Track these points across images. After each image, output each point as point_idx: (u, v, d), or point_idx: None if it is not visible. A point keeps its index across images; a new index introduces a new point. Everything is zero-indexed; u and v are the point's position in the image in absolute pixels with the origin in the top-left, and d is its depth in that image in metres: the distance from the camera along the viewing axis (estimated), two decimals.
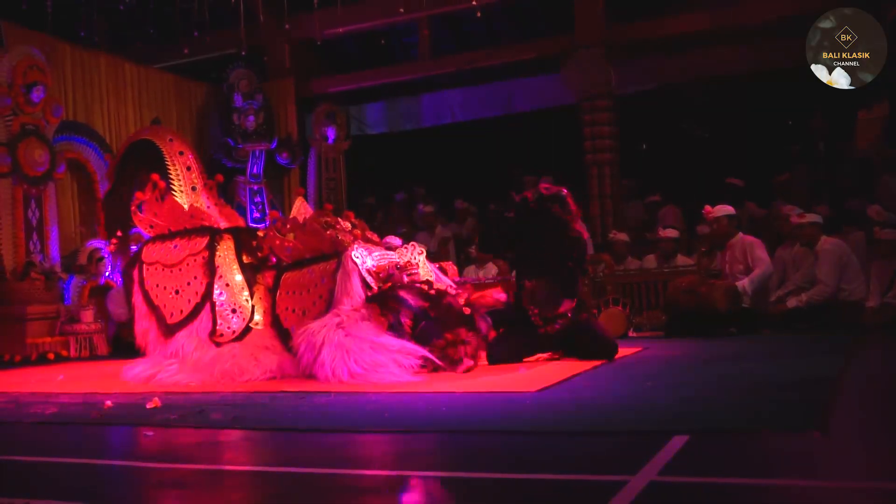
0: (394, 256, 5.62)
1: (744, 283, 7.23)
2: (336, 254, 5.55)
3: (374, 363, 4.92)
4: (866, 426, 3.16)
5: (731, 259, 7.56)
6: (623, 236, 9.25)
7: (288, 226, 5.95)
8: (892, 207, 7.94)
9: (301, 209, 6.37)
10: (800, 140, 10.42)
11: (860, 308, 7.18)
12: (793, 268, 7.65)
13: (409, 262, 5.58)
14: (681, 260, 8.62)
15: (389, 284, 5.33)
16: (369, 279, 5.36)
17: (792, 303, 7.31)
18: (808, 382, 4.10)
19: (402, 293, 5.32)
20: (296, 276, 5.69)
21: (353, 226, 5.99)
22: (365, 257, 5.49)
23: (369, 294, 5.30)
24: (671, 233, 8.83)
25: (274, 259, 5.91)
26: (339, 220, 6.00)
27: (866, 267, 7.42)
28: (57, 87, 9.76)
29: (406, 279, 5.40)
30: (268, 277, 5.84)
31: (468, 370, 5.12)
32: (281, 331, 5.58)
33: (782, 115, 10.77)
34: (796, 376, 4.38)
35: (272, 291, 5.74)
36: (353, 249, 5.50)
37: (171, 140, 6.78)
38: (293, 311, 5.57)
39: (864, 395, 3.86)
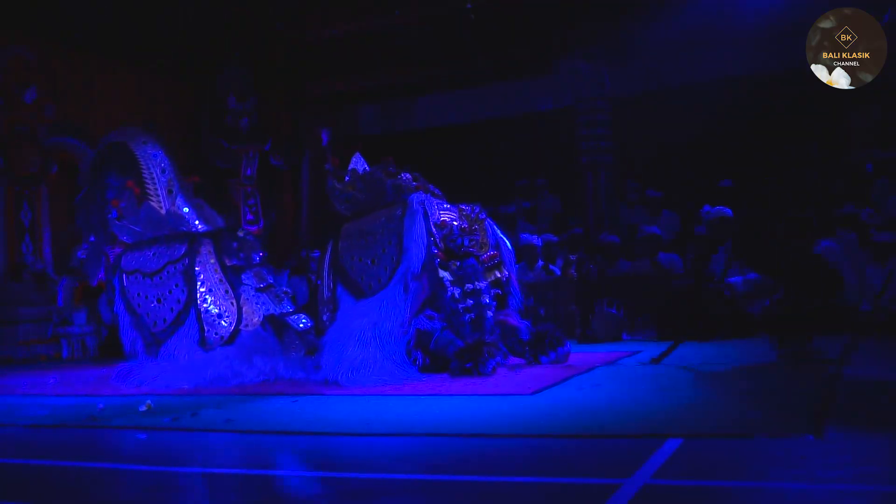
0: (455, 212, 5.54)
1: (736, 280, 7.24)
2: (401, 199, 5.44)
3: (368, 362, 4.91)
4: (860, 430, 3.16)
5: (725, 261, 7.55)
6: (614, 238, 9.24)
7: (347, 178, 5.84)
8: (885, 211, 7.95)
9: (357, 164, 6.17)
10: (793, 143, 10.42)
11: (854, 311, 7.18)
12: None
13: (472, 227, 5.50)
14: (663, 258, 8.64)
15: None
16: (434, 231, 5.28)
17: None
18: (801, 386, 4.10)
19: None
20: (358, 224, 5.51)
21: (415, 178, 5.87)
22: (431, 206, 5.37)
23: (435, 249, 5.26)
24: (654, 230, 8.88)
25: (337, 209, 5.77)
26: (402, 171, 5.91)
27: (859, 270, 7.42)
28: (49, 88, 9.72)
29: (468, 243, 5.36)
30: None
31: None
32: (278, 326, 5.54)
33: (777, 117, 10.77)
34: (790, 380, 4.38)
35: (334, 241, 5.56)
36: (417, 194, 5.42)
37: (144, 142, 6.57)
38: (360, 259, 5.39)
39: (857, 399, 3.86)
